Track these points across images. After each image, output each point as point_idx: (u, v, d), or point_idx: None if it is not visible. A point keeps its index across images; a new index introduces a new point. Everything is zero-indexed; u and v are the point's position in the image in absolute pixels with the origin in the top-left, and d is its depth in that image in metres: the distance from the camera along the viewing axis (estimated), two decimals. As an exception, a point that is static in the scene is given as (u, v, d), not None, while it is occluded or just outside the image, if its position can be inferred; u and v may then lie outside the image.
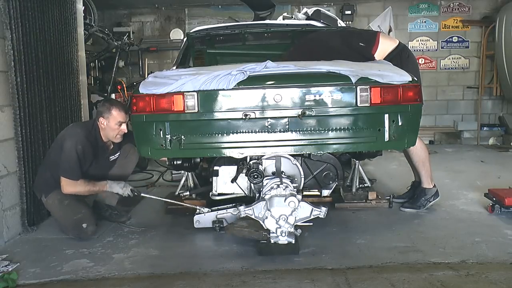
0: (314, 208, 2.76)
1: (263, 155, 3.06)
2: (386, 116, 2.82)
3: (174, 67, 4.13)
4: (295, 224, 2.73)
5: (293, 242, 2.72)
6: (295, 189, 2.86)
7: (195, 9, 7.51)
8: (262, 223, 2.75)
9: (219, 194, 3.25)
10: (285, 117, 2.82)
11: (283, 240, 2.71)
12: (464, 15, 7.35)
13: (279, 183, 2.81)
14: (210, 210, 3.25)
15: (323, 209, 2.77)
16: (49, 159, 3.36)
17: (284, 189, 2.77)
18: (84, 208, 3.32)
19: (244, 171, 3.06)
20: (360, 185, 3.87)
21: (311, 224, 2.82)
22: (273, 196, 2.76)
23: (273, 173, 3.08)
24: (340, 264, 2.65)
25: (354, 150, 3.17)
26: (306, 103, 2.80)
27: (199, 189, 3.78)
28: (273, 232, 2.72)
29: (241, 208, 2.81)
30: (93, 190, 3.35)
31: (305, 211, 2.76)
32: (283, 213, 2.69)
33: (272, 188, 2.81)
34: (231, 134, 2.84)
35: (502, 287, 2.32)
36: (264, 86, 2.82)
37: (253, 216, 2.80)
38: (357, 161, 3.77)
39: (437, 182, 3.77)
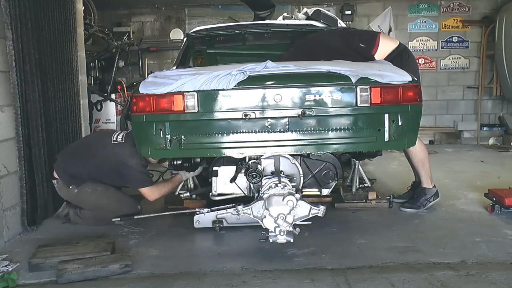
0: (312, 207, 2.76)
1: (262, 155, 3.06)
2: (386, 116, 2.82)
3: (174, 67, 4.13)
4: (293, 223, 2.72)
5: (292, 241, 2.71)
6: (294, 188, 2.86)
7: (195, 9, 7.50)
8: (260, 222, 2.75)
9: (219, 195, 3.25)
10: (285, 117, 2.82)
11: (282, 239, 2.69)
12: (464, 15, 7.35)
13: (277, 182, 2.81)
14: (210, 210, 3.25)
15: (322, 207, 2.76)
16: (92, 162, 3.43)
17: (282, 188, 2.77)
18: (126, 193, 3.63)
19: (243, 171, 3.06)
20: (360, 185, 3.88)
21: (310, 223, 2.81)
22: (271, 195, 2.76)
23: (272, 173, 3.08)
24: (340, 264, 2.66)
25: (354, 150, 3.17)
26: (306, 103, 2.80)
27: (199, 190, 3.78)
28: (272, 231, 2.71)
29: (240, 207, 2.81)
30: (174, 186, 3.62)
31: (304, 210, 2.75)
32: (281, 212, 2.67)
33: (270, 187, 2.81)
34: (231, 134, 2.84)
35: (502, 287, 2.32)
36: (264, 86, 2.82)
37: (251, 216, 2.79)
38: (357, 161, 3.77)
39: (437, 182, 3.78)
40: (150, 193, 3.43)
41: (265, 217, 2.72)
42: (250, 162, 3.08)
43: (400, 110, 2.82)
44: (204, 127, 2.86)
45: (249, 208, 2.79)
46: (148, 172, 3.48)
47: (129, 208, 3.49)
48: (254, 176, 2.95)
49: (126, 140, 3.45)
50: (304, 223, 2.78)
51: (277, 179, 2.84)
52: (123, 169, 3.38)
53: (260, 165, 3.07)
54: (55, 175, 3.54)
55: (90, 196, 3.47)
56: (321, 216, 2.78)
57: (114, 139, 3.48)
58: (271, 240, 2.70)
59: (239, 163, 3.15)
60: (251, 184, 3.09)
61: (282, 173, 3.06)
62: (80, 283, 2.53)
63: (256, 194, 3.02)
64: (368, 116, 2.85)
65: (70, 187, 3.48)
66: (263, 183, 2.92)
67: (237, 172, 3.13)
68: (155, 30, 7.63)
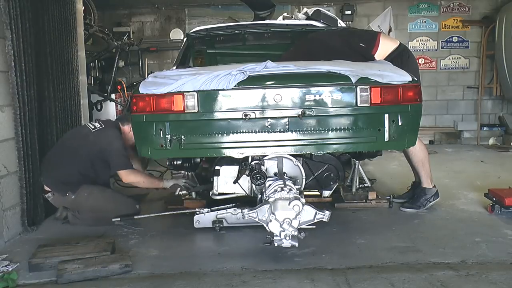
0: (318, 212, 2.72)
1: (265, 156, 3.05)
2: (386, 116, 2.82)
3: (174, 67, 4.13)
4: (298, 227, 2.69)
5: (296, 245, 2.69)
6: (298, 191, 2.85)
7: (195, 9, 7.51)
8: (265, 226, 2.71)
9: (220, 194, 3.24)
10: (285, 117, 2.82)
11: (287, 243, 2.65)
12: (464, 15, 7.35)
13: (283, 185, 2.78)
14: (210, 210, 3.25)
15: (327, 212, 2.72)
16: (79, 157, 3.49)
17: (288, 192, 2.74)
18: (123, 194, 3.72)
19: (247, 172, 3.05)
20: (360, 185, 3.87)
21: (314, 227, 2.78)
22: (277, 200, 2.71)
23: (275, 174, 3.06)
24: (340, 264, 2.65)
25: (354, 150, 3.17)
26: (306, 103, 2.80)
27: (198, 187, 3.75)
28: (277, 235, 2.67)
29: (245, 211, 2.77)
30: (150, 185, 3.72)
31: (309, 214, 2.72)
32: (287, 217, 2.64)
33: (276, 191, 2.77)
34: (231, 134, 2.84)
35: (502, 287, 2.32)
36: (264, 86, 2.82)
37: (256, 219, 2.75)
38: (357, 161, 3.77)
39: (437, 182, 3.77)
40: (126, 175, 3.54)
41: (270, 221, 2.68)
42: (253, 163, 3.06)
43: (400, 110, 2.82)
44: (204, 127, 2.86)
45: (254, 212, 2.76)
46: (127, 156, 3.56)
47: (127, 208, 3.49)
48: (258, 178, 2.92)
49: (105, 124, 3.60)
50: (308, 227, 2.75)
51: (282, 182, 2.81)
52: (106, 151, 3.47)
53: (264, 166, 3.06)
54: (46, 188, 3.53)
55: (87, 199, 3.46)
56: (326, 221, 2.75)
57: (93, 128, 3.60)
58: (276, 244, 2.66)
59: (243, 164, 3.14)
60: (254, 186, 3.07)
61: (285, 174, 3.05)
62: (80, 283, 2.53)
63: (259, 196, 3.00)
64: (368, 116, 2.85)
65: (67, 194, 3.47)
66: (267, 185, 2.89)
67: (241, 173, 3.12)
68: (155, 30, 7.63)
